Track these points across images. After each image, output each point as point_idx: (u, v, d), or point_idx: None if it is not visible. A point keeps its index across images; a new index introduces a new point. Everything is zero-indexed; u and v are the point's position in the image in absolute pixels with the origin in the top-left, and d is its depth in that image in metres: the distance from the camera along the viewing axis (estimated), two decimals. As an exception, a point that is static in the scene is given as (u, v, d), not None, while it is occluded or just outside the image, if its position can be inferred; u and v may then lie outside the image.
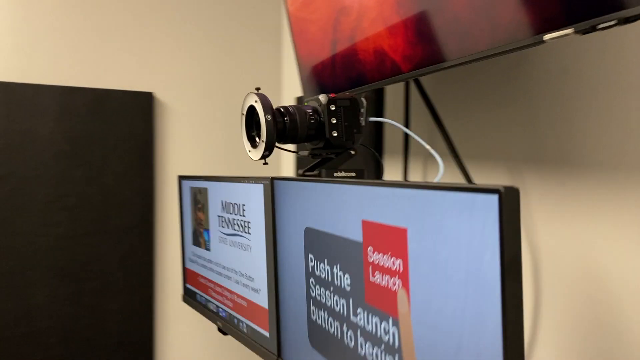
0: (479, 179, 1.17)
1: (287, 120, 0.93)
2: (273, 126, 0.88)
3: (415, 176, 1.44)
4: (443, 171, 0.95)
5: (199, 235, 1.35)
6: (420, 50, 0.97)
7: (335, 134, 0.95)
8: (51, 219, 1.94)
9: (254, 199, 1.02)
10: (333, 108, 0.95)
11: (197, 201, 1.32)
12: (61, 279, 1.96)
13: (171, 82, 2.13)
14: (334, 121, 0.95)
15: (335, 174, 0.95)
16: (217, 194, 1.14)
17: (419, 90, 1.24)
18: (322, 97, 0.96)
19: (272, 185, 0.98)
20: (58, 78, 1.95)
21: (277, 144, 0.94)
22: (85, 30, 1.98)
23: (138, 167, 2.08)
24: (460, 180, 1.16)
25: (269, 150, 0.89)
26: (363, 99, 0.98)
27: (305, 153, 0.97)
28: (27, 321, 1.90)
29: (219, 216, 1.16)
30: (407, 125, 1.41)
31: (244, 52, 2.28)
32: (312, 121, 0.94)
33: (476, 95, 1.22)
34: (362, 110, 0.98)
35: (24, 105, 1.88)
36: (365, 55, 1.22)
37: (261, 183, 0.98)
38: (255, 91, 0.92)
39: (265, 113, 0.87)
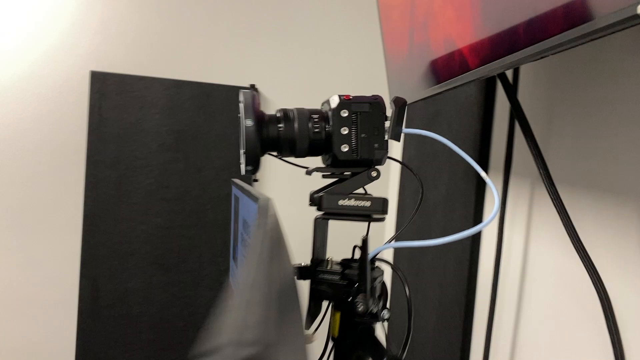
0: (590, 220, 0.81)
1: (281, 128, 0.72)
2: (255, 135, 0.68)
3: (517, 200, 1.10)
4: (497, 209, 0.65)
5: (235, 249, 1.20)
6: (488, 39, 0.69)
7: (346, 149, 0.71)
8: (152, 209, 1.98)
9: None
10: (345, 114, 0.71)
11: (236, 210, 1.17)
12: (156, 268, 2.00)
13: (273, 76, 2.03)
14: (345, 131, 0.71)
15: (340, 202, 0.71)
16: (243, 206, 0.98)
17: (505, 91, 0.92)
18: (333, 99, 0.72)
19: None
20: (167, 71, 1.98)
21: (281, 157, 0.73)
22: (193, 26, 1.97)
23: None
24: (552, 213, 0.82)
25: (252, 164, 0.69)
26: (393, 103, 0.72)
27: (311, 171, 0.74)
28: (123, 303, 1.97)
29: (240, 233, 0.99)
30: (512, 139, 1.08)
31: (346, 46, 2.08)
32: (317, 130, 0.72)
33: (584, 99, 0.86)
34: (388, 118, 0.73)
35: (136, 97, 1.94)
36: (437, 46, 0.93)
37: (254, 202, 0.79)
38: (248, 88, 0.73)
39: (246, 117, 0.68)
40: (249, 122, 0.68)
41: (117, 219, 1.96)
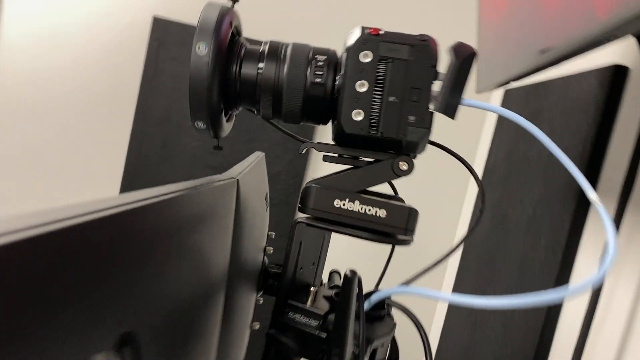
0: None
1: (260, 69, 0.44)
2: (208, 71, 0.41)
3: (634, 239, 0.76)
4: (613, 257, 0.33)
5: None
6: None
7: (360, 117, 0.43)
8: (195, 174, 1.80)
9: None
10: (367, 59, 0.42)
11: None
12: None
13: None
14: (363, 88, 0.43)
15: (337, 202, 0.43)
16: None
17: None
18: (352, 33, 0.44)
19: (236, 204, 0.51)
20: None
21: (261, 116, 0.47)
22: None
23: (295, 140, 1.78)
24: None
25: (203, 119, 0.43)
26: (453, 53, 0.42)
27: (305, 147, 0.46)
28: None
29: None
30: None
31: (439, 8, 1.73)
32: (317, 81, 0.44)
33: None
34: (440, 77, 0.43)
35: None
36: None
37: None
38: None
39: (199, 40, 0.41)
40: (202, 48, 0.41)
41: (157, 181, 1.80)
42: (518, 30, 0.80)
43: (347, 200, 0.43)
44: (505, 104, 1.49)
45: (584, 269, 0.94)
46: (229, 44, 0.45)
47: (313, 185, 0.43)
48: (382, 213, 0.42)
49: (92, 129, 1.78)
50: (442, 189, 1.70)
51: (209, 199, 0.41)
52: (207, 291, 0.40)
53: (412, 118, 0.43)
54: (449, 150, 0.50)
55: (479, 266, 1.39)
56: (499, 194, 1.40)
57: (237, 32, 0.48)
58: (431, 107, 0.43)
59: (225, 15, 0.43)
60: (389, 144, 0.44)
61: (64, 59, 1.74)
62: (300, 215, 0.45)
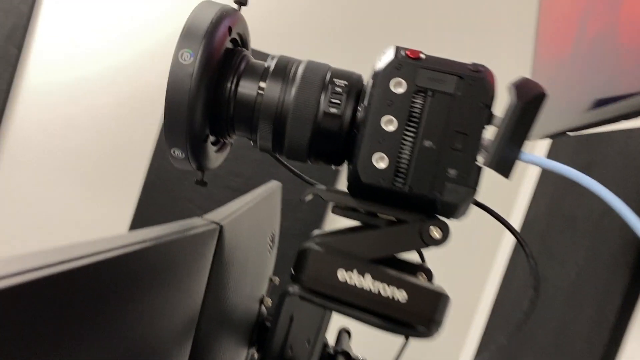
0: None
1: (261, 89, 0.35)
2: (193, 85, 0.32)
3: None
4: None
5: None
6: None
7: (383, 165, 0.32)
8: (215, 195, 1.73)
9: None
10: (400, 89, 0.32)
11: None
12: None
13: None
14: (390, 126, 0.32)
15: (341, 274, 0.32)
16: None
17: None
18: (386, 54, 0.34)
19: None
20: (272, 46, 1.70)
21: (259, 147, 0.37)
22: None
23: (330, 172, 1.69)
24: None
25: (185, 148, 0.33)
26: (515, 91, 0.32)
27: (309, 194, 0.36)
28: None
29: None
30: None
31: (470, 21, 1.62)
32: (332, 112, 0.34)
33: None
34: (495, 120, 0.32)
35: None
36: (630, 36, 0.50)
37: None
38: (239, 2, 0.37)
39: (183, 46, 0.32)
40: (186, 56, 0.31)
41: (175, 197, 1.72)
42: (585, 74, 0.69)
43: (356, 272, 0.32)
44: (551, 154, 1.36)
45: (635, 354, 0.80)
46: (225, 55, 0.35)
47: (312, 247, 0.33)
48: (401, 295, 0.31)
49: (116, 141, 1.72)
50: (470, 240, 1.56)
51: (176, 251, 0.31)
52: (165, 350, 0.31)
53: (452, 172, 0.32)
54: (492, 212, 0.39)
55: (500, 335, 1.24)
56: (537, 251, 1.26)
57: (240, 42, 0.38)
58: (479, 159, 0.33)
59: (224, 17, 0.34)
60: (419, 202, 0.33)
61: (102, 64, 1.70)
62: (290, 286, 0.34)
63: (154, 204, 1.72)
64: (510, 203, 1.52)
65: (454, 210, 0.33)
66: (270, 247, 0.64)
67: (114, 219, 1.72)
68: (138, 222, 1.72)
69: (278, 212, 0.77)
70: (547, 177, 1.37)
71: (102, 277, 0.22)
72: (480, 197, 0.37)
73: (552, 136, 0.85)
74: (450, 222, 0.35)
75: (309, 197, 0.36)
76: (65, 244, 0.22)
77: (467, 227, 1.39)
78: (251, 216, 0.49)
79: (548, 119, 0.80)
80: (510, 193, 1.53)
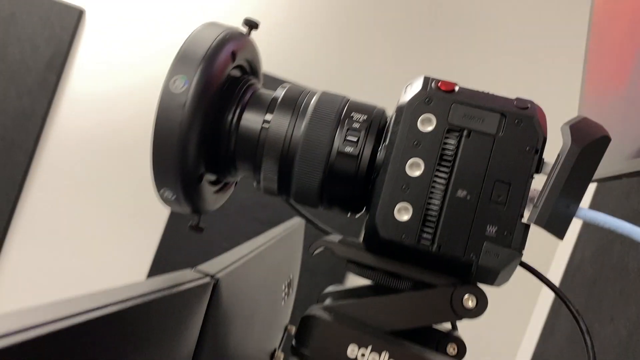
0: None
1: (266, 123, 0.30)
2: (184, 125, 0.27)
3: None
4: None
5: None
6: None
7: (406, 217, 0.27)
8: (240, 227, 1.69)
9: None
10: (429, 128, 0.27)
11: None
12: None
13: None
14: (417, 172, 0.27)
15: (353, 352, 0.26)
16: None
17: None
18: (413, 85, 0.28)
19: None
20: (301, 78, 1.67)
21: (263, 189, 0.32)
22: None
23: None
24: None
25: (176, 189, 0.29)
26: (570, 134, 0.26)
27: (318, 247, 0.31)
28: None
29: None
30: None
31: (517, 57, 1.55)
32: (347, 151, 0.28)
33: None
34: (545, 167, 0.26)
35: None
36: None
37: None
38: (249, 24, 0.33)
39: (176, 72, 0.28)
40: (178, 83, 0.27)
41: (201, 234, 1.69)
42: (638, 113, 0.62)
43: (370, 349, 0.26)
44: (597, 198, 1.27)
45: None
46: (228, 83, 0.31)
47: (319, 314, 0.27)
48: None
49: (142, 174, 1.71)
50: (507, 287, 1.46)
51: (160, 310, 0.26)
52: None
53: (492, 229, 0.26)
54: (535, 271, 0.32)
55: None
56: (582, 302, 1.16)
57: (248, 69, 0.34)
58: (526, 214, 0.27)
59: (227, 41, 0.29)
60: (450, 265, 0.27)
61: (126, 110, 1.71)
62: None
63: (177, 235, 1.69)
64: (551, 248, 1.42)
65: (493, 277, 0.27)
66: (286, 295, 0.58)
67: (139, 250, 1.70)
68: (164, 252, 1.69)
69: (299, 253, 0.71)
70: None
71: (75, 341, 0.20)
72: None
73: (600, 180, 0.78)
74: (488, 289, 0.28)
75: (319, 250, 0.30)
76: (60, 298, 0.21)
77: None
78: (260, 263, 0.44)
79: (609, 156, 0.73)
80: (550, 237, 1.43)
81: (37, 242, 1.71)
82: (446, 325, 0.33)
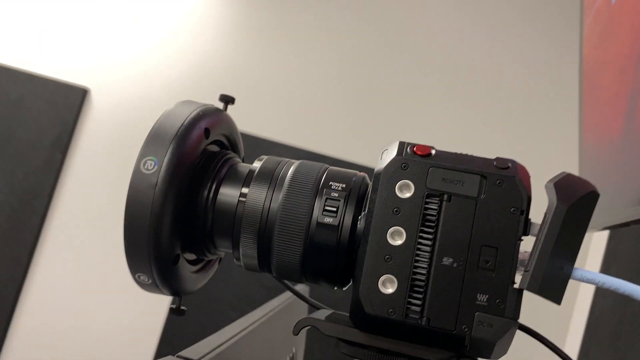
0: None
1: (243, 198, 0.29)
2: (156, 206, 0.27)
3: None
4: None
5: None
6: None
7: (391, 290, 0.25)
8: (247, 294, 1.65)
9: None
10: (407, 194, 0.26)
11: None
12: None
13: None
14: (398, 241, 0.26)
15: None
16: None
17: None
18: (388, 151, 0.28)
19: None
20: (309, 143, 1.69)
21: (243, 266, 0.31)
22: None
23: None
24: None
25: (150, 273, 0.28)
26: (554, 190, 0.25)
27: (301, 329, 0.29)
28: None
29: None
30: None
31: (510, 111, 1.55)
32: (327, 222, 0.27)
33: None
34: (532, 228, 0.25)
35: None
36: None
37: None
38: (225, 100, 0.33)
39: (147, 154, 0.27)
40: (149, 164, 0.27)
41: (209, 297, 1.66)
42: (635, 161, 0.61)
43: None
44: (611, 243, 1.23)
45: None
46: (203, 159, 0.30)
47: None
48: None
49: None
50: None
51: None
52: None
53: (482, 298, 0.25)
54: (542, 338, 0.30)
55: None
56: (607, 357, 1.10)
57: (227, 143, 0.34)
58: (518, 280, 0.25)
59: (200, 119, 0.29)
60: (443, 339, 0.25)
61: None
62: None
63: (187, 304, 1.65)
64: (570, 301, 1.37)
65: (489, 349, 0.25)
66: (288, 369, 0.55)
67: (146, 322, 1.66)
68: (170, 325, 1.65)
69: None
70: (609, 266, 1.23)
71: None
72: (526, 313, 0.29)
73: (610, 227, 0.75)
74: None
75: (304, 329, 0.28)
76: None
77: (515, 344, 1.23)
78: (251, 342, 0.42)
79: (608, 208, 0.71)
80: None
81: (45, 317, 1.68)
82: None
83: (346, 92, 1.69)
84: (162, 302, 1.65)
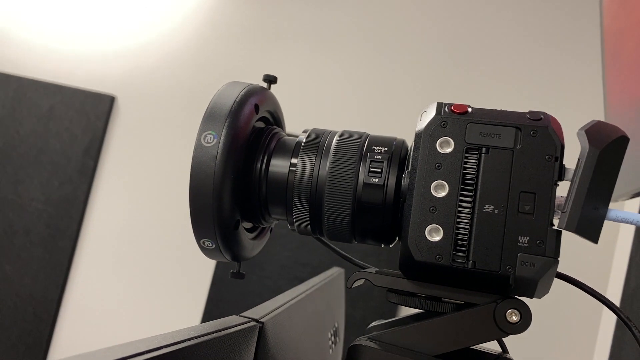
0: None
1: (293, 168, 0.32)
2: (218, 177, 0.29)
3: None
4: None
5: None
6: None
7: (437, 238, 0.27)
8: (283, 286, 1.68)
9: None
10: (448, 149, 0.28)
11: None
12: None
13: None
14: (442, 193, 0.28)
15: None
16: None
17: None
18: (427, 112, 0.30)
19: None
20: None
21: (297, 230, 0.34)
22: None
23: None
24: None
25: (215, 238, 0.31)
26: (586, 138, 0.27)
27: (356, 280, 0.31)
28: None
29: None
30: None
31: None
32: (373, 182, 0.30)
33: None
34: (567, 174, 0.27)
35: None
36: None
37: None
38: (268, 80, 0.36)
39: (207, 128, 0.30)
40: (209, 138, 0.29)
41: (245, 291, 1.69)
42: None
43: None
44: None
45: None
46: (254, 134, 0.33)
47: (365, 343, 0.28)
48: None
49: (186, 238, 1.75)
50: (565, 314, 1.40)
51: (208, 354, 0.27)
52: None
53: (524, 240, 0.27)
54: (584, 286, 0.32)
55: None
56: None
57: (272, 120, 0.36)
58: (556, 222, 0.27)
59: (250, 96, 0.32)
60: (488, 280, 0.27)
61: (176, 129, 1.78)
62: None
63: (222, 298, 1.70)
64: (605, 268, 1.37)
65: (533, 287, 0.27)
66: (333, 343, 0.58)
67: (184, 316, 1.71)
68: (209, 312, 1.69)
69: (341, 301, 0.71)
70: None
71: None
72: (567, 267, 0.30)
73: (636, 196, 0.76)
74: (531, 302, 0.28)
75: (357, 283, 0.31)
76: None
77: (559, 297, 1.24)
78: (303, 309, 0.44)
79: (633, 174, 0.71)
80: (604, 256, 1.37)
81: (87, 321, 1.74)
82: (497, 348, 0.32)
83: (356, 89, 1.70)
84: (198, 301, 1.70)
